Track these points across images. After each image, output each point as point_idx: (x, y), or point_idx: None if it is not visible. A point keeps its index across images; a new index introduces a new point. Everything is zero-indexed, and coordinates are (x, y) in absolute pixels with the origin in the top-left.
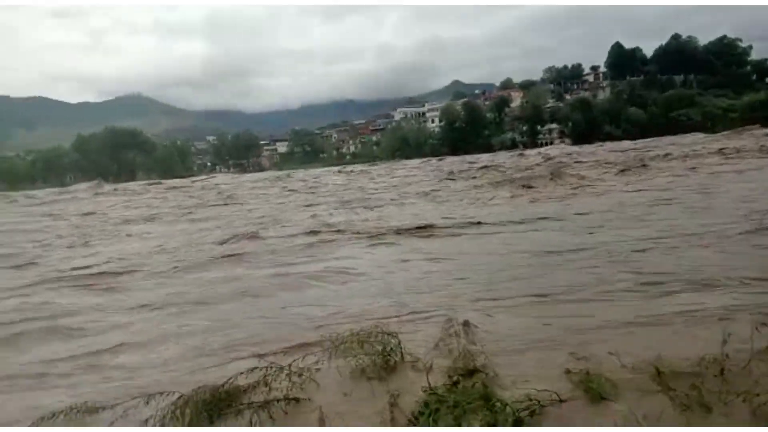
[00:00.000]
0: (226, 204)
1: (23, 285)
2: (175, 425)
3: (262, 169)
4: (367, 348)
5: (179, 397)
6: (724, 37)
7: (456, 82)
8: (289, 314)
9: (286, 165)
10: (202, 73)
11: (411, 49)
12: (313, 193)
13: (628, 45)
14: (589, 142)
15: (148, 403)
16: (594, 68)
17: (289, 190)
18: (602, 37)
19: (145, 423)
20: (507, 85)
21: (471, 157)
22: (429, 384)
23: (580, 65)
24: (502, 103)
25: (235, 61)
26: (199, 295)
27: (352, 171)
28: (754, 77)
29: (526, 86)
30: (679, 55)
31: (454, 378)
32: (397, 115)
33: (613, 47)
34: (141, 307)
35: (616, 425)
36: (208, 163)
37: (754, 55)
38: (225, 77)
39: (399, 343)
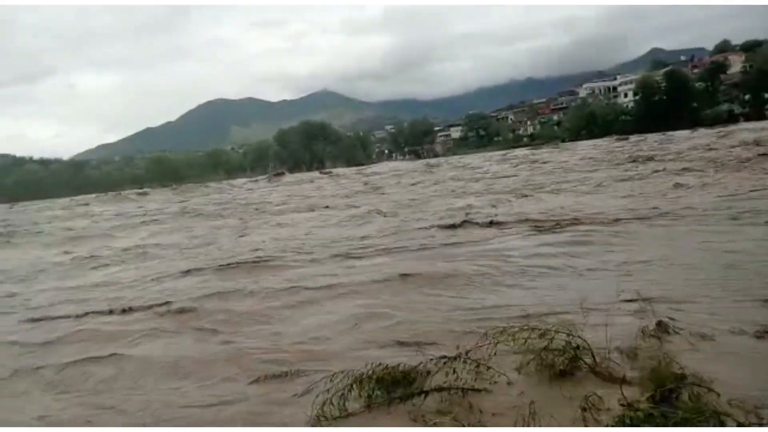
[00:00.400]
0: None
1: None
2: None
3: (435, 155)
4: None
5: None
6: None
7: (655, 50)
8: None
9: (460, 150)
10: (383, 65)
11: (599, 19)
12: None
13: None
14: None
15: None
16: None
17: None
18: None
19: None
20: (723, 48)
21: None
22: (624, 397)
23: None
24: (717, 69)
25: (413, 51)
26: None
27: (515, 156)
28: None
29: (750, 47)
30: None
31: (658, 392)
32: (583, 92)
33: None
34: None
35: None
36: (386, 151)
37: None
38: (404, 67)
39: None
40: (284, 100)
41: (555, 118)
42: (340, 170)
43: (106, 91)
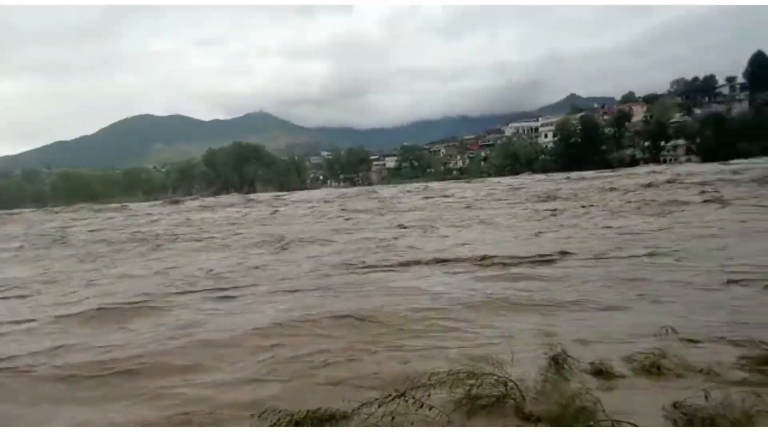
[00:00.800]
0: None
1: None
2: None
3: (370, 183)
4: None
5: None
6: None
7: (572, 96)
8: None
9: (394, 179)
10: (321, 91)
11: (527, 64)
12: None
13: None
14: (724, 159)
15: None
16: (729, 80)
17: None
18: (742, 45)
19: None
20: (628, 98)
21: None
22: None
23: (712, 76)
24: (623, 117)
25: (352, 80)
26: None
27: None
28: None
29: (650, 100)
30: None
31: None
32: (508, 131)
33: (754, 56)
34: None
35: None
36: (321, 177)
37: None
38: (342, 96)
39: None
40: (216, 120)
41: (483, 154)
42: (264, 195)
43: (17, 98)
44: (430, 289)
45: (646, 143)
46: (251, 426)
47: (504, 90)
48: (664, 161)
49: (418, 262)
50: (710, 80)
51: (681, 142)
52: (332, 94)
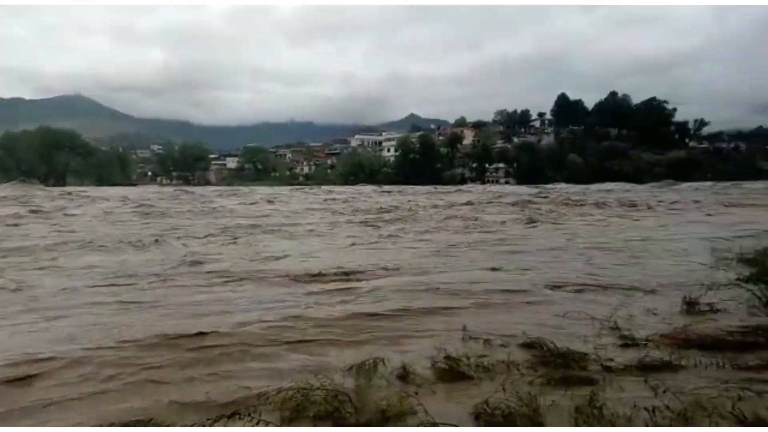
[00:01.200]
0: None
1: None
2: None
3: (208, 183)
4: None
5: None
6: (654, 98)
7: (413, 116)
8: None
9: (235, 181)
10: (155, 80)
11: (373, 80)
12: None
13: (572, 96)
14: (534, 183)
15: None
16: (540, 115)
17: None
18: (550, 87)
19: None
20: (460, 123)
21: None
22: None
23: (528, 111)
24: (455, 139)
25: (193, 72)
26: None
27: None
28: (677, 137)
29: (478, 126)
30: (615, 110)
31: None
32: (354, 142)
33: (559, 97)
34: None
35: None
36: (149, 173)
37: (678, 117)
38: (180, 87)
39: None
40: (20, 99)
41: (329, 162)
42: (68, 189)
43: None
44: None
45: (474, 164)
46: (251, 425)
47: (350, 102)
48: (488, 181)
49: (229, 277)
50: (526, 114)
51: (502, 165)
52: (168, 84)
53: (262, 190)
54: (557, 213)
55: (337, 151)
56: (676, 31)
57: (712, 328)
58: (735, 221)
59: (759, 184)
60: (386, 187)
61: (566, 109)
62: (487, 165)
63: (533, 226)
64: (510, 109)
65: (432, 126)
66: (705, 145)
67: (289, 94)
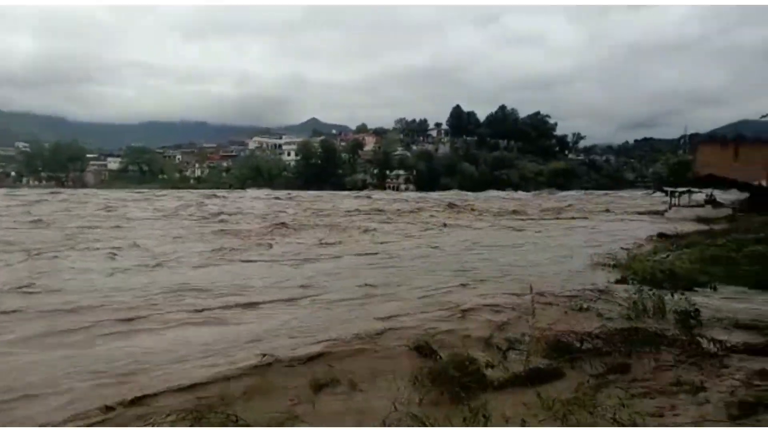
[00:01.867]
0: None
1: None
2: None
3: (84, 186)
4: None
5: None
6: (538, 112)
7: (314, 120)
8: None
9: (117, 183)
10: (23, 70)
11: (273, 82)
12: None
13: (466, 108)
14: (432, 189)
15: None
16: (437, 125)
17: None
18: (447, 98)
19: None
20: (362, 129)
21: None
22: None
23: (426, 120)
24: (357, 145)
25: (71, 63)
26: None
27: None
28: (558, 149)
29: (380, 133)
30: (504, 123)
31: None
32: (252, 144)
33: (454, 109)
34: None
35: None
36: (13, 173)
37: (558, 131)
38: (52, 80)
39: None
40: None
41: (224, 164)
42: None
43: None
44: None
45: (376, 170)
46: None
47: (247, 103)
48: (389, 187)
49: None
50: (424, 123)
51: (402, 172)
52: (41, 76)
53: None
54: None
55: (233, 154)
56: (556, 52)
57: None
58: (613, 229)
59: (623, 193)
60: (293, 193)
61: (461, 120)
62: (387, 171)
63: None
64: (409, 118)
65: (334, 131)
66: (581, 157)
67: (180, 92)
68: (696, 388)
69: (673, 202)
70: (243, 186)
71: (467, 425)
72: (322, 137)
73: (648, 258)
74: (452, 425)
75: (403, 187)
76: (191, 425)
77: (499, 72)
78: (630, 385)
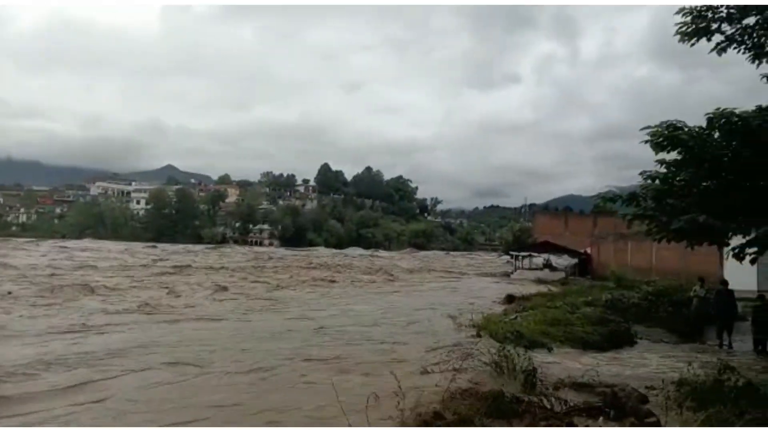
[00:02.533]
0: None
1: None
2: None
3: None
4: None
5: None
6: (401, 176)
7: (170, 167)
8: None
9: None
10: None
11: (126, 124)
12: None
13: (334, 167)
14: (297, 245)
15: None
16: (305, 181)
17: None
18: (315, 156)
19: None
20: (224, 180)
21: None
22: None
23: (293, 176)
24: (218, 197)
25: None
26: None
27: None
28: (418, 211)
29: (243, 185)
30: (369, 183)
31: None
32: (95, 189)
33: (322, 166)
34: None
35: None
36: None
37: (419, 195)
38: None
39: None
40: None
41: (58, 210)
42: None
43: None
44: None
45: (237, 224)
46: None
47: (94, 144)
48: (252, 242)
49: None
50: (291, 178)
51: (266, 227)
52: None
53: None
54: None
55: (70, 199)
56: (416, 122)
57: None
58: (472, 288)
59: (476, 255)
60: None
61: (328, 177)
62: (251, 225)
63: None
64: (276, 172)
65: (192, 180)
66: (439, 219)
67: (9, 127)
68: None
69: (517, 264)
70: (80, 236)
71: None
72: (178, 186)
73: (500, 319)
74: None
75: (266, 242)
76: None
77: (365, 135)
78: None
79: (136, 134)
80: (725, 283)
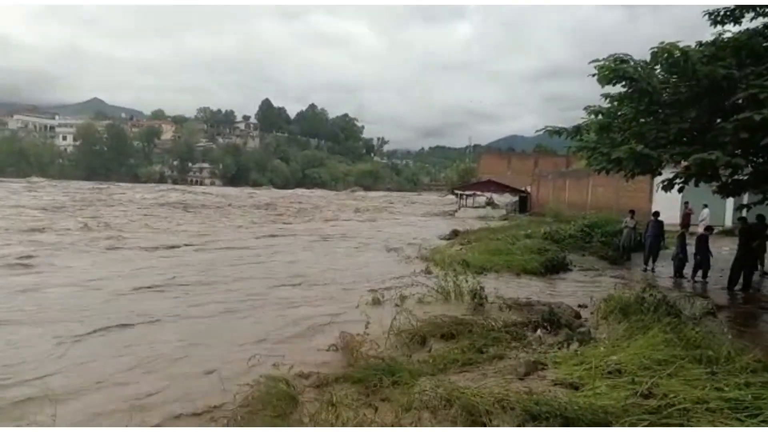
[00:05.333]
0: None
1: None
2: None
3: None
4: None
5: None
6: (346, 115)
7: (97, 101)
8: None
9: None
10: None
11: (40, 51)
12: None
13: (276, 103)
14: (240, 185)
15: None
16: (246, 117)
17: None
18: (255, 91)
19: None
20: (158, 115)
21: None
22: None
23: (233, 112)
24: (153, 133)
25: None
26: None
27: None
28: (364, 151)
29: (180, 121)
30: (314, 122)
31: None
32: (14, 123)
33: (263, 102)
34: None
35: None
36: None
37: (365, 134)
38: None
39: None
40: None
41: None
42: None
43: None
44: None
45: (175, 162)
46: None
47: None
48: (192, 182)
49: None
50: (230, 115)
51: (206, 165)
52: None
53: None
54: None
55: None
56: (360, 57)
57: None
58: (419, 225)
59: (423, 195)
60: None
61: (271, 114)
62: (190, 164)
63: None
64: (214, 108)
65: (123, 115)
66: (385, 160)
67: None
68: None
69: (461, 203)
70: (2, 174)
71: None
72: (108, 121)
73: (446, 251)
74: None
75: (207, 181)
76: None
77: (307, 71)
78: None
79: (52, 63)
80: (656, 214)
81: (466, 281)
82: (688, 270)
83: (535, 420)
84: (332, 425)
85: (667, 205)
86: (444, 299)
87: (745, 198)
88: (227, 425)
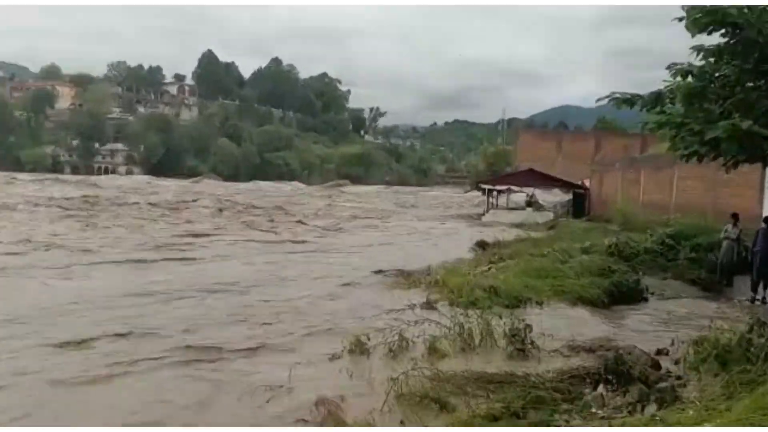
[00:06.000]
0: None
1: None
2: None
3: None
4: None
5: None
6: (325, 74)
7: None
8: None
9: None
10: None
11: None
12: None
13: (222, 57)
14: (170, 174)
15: None
16: (179, 78)
17: None
18: (191, 38)
19: None
20: (51, 73)
21: None
22: None
23: (160, 68)
24: (43, 99)
25: None
26: None
27: None
28: (351, 126)
29: (83, 82)
30: (278, 83)
31: None
32: None
33: (204, 55)
34: None
35: None
36: None
37: (351, 103)
38: None
39: None
40: None
41: None
42: None
43: None
44: None
45: (75, 141)
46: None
47: None
48: (102, 170)
49: None
50: (157, 73)
51: (121, 146)
52: None
53: None
54: None
55: None
56: None
57: None
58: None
59: (436, 191)
60: None
61: (216, 73)
62: (97, 144)
63: None
64: (132, 62)
65: (1, 74)
66: (381, 140)
67: None
68: None
69: (491, 203)
70: None
71: None
72: None
73: (467, 272)
74: None
75: (122, 168)
76: None
77: (269, 11)
78: None
79: None
80: None
81: (500, 317)
82: None
83: None
84: None
85: None
86: (465, 344)
87: None
88: None
